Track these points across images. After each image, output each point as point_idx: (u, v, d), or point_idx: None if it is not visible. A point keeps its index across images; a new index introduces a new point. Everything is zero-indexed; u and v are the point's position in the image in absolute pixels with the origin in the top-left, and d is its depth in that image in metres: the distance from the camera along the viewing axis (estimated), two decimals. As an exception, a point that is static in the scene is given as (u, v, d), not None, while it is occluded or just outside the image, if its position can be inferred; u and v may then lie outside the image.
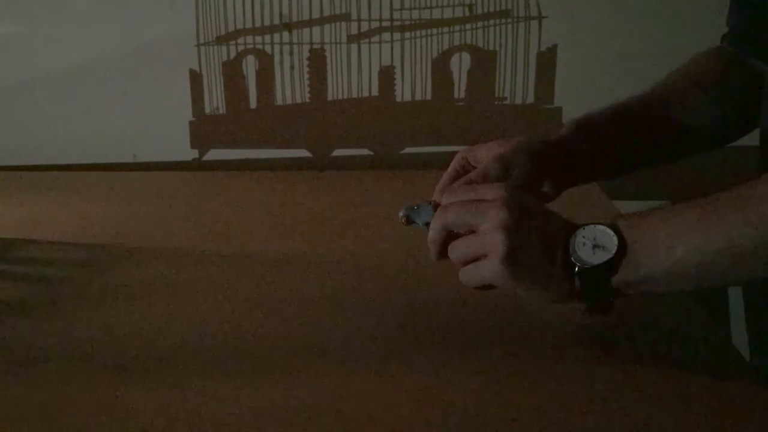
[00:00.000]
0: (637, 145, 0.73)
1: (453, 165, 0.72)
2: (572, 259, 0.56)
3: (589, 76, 1.25)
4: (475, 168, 0.70)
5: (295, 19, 1.24)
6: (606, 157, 0.72)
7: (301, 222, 0.99)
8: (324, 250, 0.87)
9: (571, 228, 0.57)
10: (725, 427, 0.51)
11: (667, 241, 0.54)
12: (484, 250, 0.57)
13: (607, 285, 0.55)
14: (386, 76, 1.26)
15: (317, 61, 1.26)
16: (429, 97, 1.27)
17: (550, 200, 0.69)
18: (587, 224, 0.57)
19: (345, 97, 1.27)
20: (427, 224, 0.66)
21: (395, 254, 0.84)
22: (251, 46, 1.25)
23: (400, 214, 0.67)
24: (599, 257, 0.55)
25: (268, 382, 0.57)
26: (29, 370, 0.60)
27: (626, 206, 1.05)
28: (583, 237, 0.56)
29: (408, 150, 1.28)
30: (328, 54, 1.25)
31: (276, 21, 1.24)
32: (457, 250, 0.59)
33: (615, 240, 0.55)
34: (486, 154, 0.68)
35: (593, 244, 0.56)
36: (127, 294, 0.75)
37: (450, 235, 0.60)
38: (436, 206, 0.66)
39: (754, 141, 0.77)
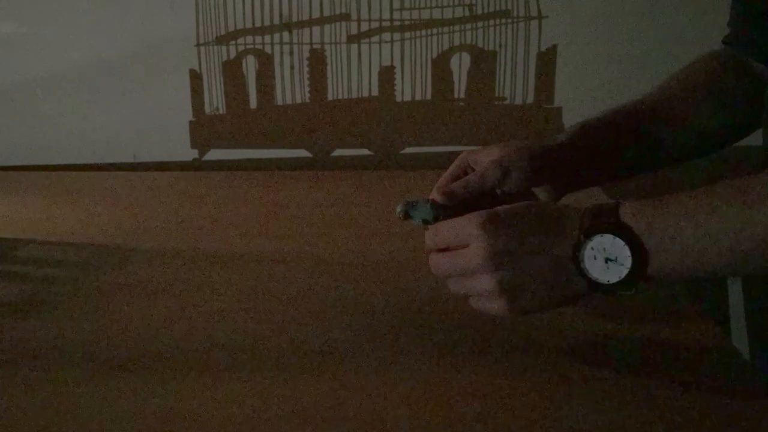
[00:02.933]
0: (636, 150, 0.73)
1: (453, 166, 0.71)
2: (584, 273, 0.53)
3: (589, 76, 1.25)
4: (474, 171, 0.70)
5: (295, 19, 1.24)
6: (605, 163, 0.72)
7: (301, 222, 0.99)
8: (324, 250, 0.87)
9: (577, 236, 0.54)
10: (725, 427, 0.51)
11: (697, 245, 0.50)
12: (483, 293, 0.56)
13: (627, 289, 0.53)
14: (386, 76, 1.26)
15: (317, 61, 1.26)
16: (429, 97, 1.27)
17: None
18: (593, 233, 0.53)
19: (345, 97, 1.27)
20: (424, 221, 0.66)
21: (395, 254, 0.84)
22: (251, 46, 1.25)
23: (398, 209, 0.67)
24: (614, 272, 0.52)
25: (267, 382, 0.57)
26: (29, 370, 0.60)
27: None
28: (592, 249, 0.53)
29: (408, 150, 1.29)
30: (328, 54, 1.25)
31: (276, 21, 1.24)
32: (457, 288, 0.58)
33: (627, 252, 0.52)
34: (486, 157, 0.68)
35: (605, 257, 0.52)
36: (126, 294, 0.75)
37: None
38: (433, 203, 0.66)
39: (757, 141, 0.77)
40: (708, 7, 0.81)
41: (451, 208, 0.66)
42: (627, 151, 0.72)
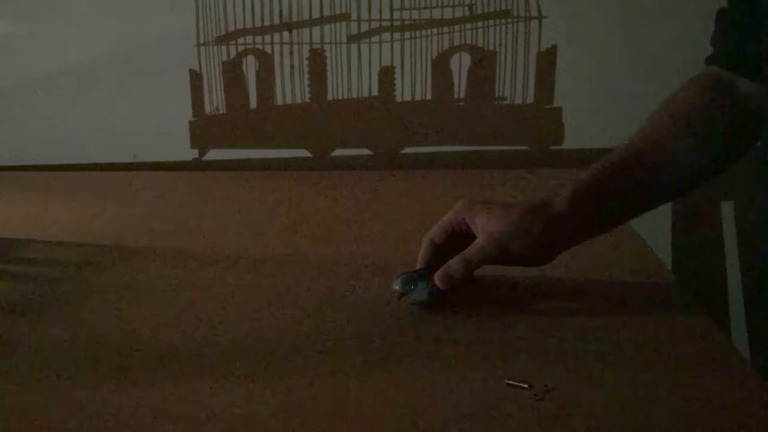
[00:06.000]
0: (632, 201, 0.74)
1: (448, 219, 0.72)
2: None
3: (589, 76, 1.25)
4: (468, 227, 0.71)
5: (295, 19, 1.24)
6: (601, 222, 0.73)
7: (301, 222, 0.99)
8: (324, 250, 0.87)
9: None
10: (725, 427, 0.51)
11: None
12: None
13: None
14: (386, 76, 1.26)
15: (317, 61, 1.26)
16: (429, 97, 1.26)
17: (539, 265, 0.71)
18: None
19: (345, 97, 1.27)
20: (419, 303, 0.69)
21: (395, 254, 0.84)
22: (251, 46, 1.25)
23: (396, 288, 0.69)
24: None
25: (267, 383, 0.57)
26: (29, 370, 0.60)
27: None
28: None
29: (408, 150, 1.28)
30: (328, 54, 1.25)
31: (276, 21, 1.24)
32: None
33: None
34: (483, 223, 0.70)
35: None
36: (126, 294, 0.75)
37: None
38: (431, 291, 0.69)
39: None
40: (708, 8, 0.81)
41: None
42: (621, 207, 0.73)
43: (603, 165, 0.73)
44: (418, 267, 0.72)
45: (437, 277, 0.69)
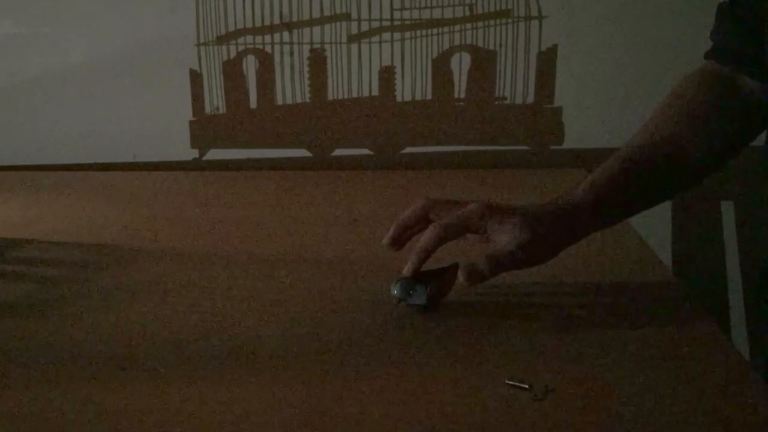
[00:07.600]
0: (638, 198, 0.75)
1: (468, 217, 0.70)
2: None
3: (589, 76, 1.25)
4: (486, 229, 0.70)
5: (295, 19, 1.24)
6: (614, 217, 0.74)
7: (301, 222, 0.99)
8: (324, 250, 0.87)
9: None
10: (725, 427, 0.51)
11: None
12: None
13: None
14: (386, 76, 1.26)
15: (317, 61, 1.26)
16: (429, 97, 1.26)
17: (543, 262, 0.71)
18: None
19: (345, 97, 1.27)
20: (416, 306, 0.68)
21: (395, 254, 0.83)
22: (251, 46, 1.25)
23: (394, 293, 0.68)
24: None
25: (267, 383, 0.57)
26: (29, 370, 0.60)
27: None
28: None
29: (408, 150, 1.28)
30: (328, 54, 1.25)
31: (276, 21, 1.24)
32: None
33: None
34: (512, 230, 0.68)
35: None
36: (127, 294, 0.75)
37: None
38: (429, 293, 0.67)
39: (758, 141, 0.77)
40: (708, 8, 0.81)
41: (443, 290, 0.70)
42: (628, 204, 0.74)
43: (609, 167, 0.73)
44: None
45: (463, 272, 0.67)
